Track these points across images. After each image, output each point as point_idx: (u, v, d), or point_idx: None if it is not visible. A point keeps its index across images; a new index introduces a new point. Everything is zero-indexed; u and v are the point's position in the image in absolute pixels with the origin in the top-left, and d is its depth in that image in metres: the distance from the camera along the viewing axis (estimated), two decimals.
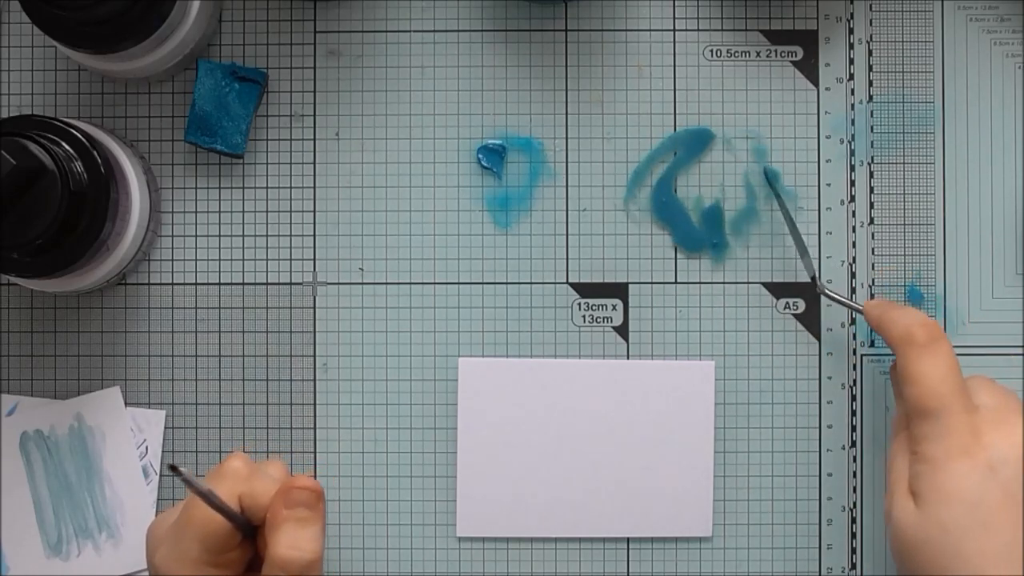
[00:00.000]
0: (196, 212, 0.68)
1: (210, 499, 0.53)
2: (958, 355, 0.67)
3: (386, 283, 0.68)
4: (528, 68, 0.68)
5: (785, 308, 0.68)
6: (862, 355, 0.68)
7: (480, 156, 0.68)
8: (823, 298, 0.67)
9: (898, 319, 0.60)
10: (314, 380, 0.68)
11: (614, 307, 0.68)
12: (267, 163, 0.68)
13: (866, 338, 0.68)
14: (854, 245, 0.68)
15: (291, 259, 0.68)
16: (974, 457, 0.56)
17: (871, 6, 0.68)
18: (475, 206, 0.68)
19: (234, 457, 0.58)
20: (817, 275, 0.66)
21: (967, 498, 0.56)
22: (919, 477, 0.57)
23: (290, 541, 0.54)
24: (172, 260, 0.68)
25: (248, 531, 0.56)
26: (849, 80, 0.68)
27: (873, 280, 0.68)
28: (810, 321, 0.68)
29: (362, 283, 0.68)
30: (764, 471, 0.67)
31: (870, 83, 0.68)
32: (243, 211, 0.68)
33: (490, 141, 0.68)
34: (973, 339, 0.67)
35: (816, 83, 0.68)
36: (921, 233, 0.68)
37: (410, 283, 0.68)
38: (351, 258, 0.68)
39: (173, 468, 0.49)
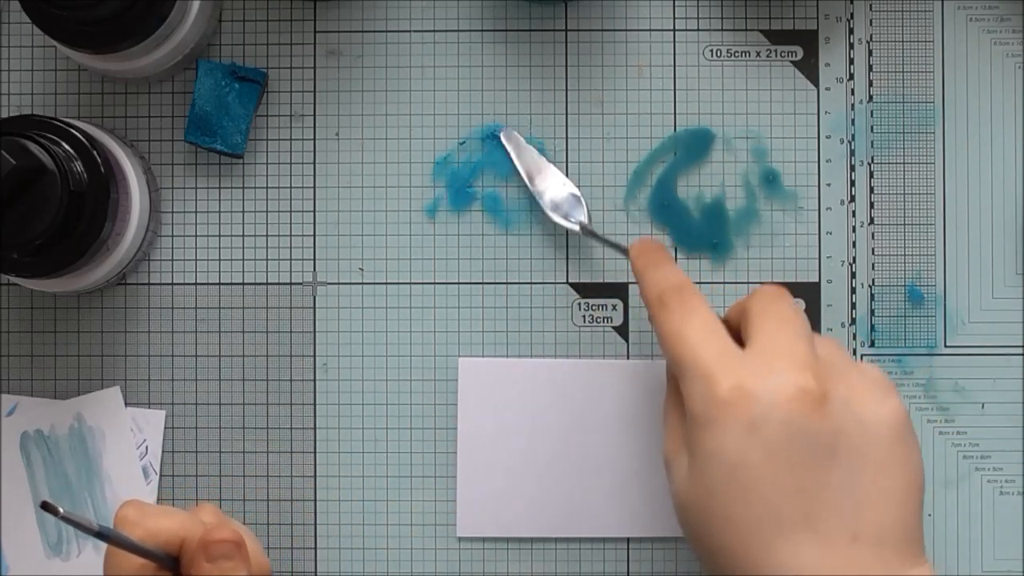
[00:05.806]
0: (196, 212, 0.68)
1: (119, 540, 0.52)
2: (958, 355, 0.68)
3: (386, 283, 0.68)
4: (528, 68, 0.68)
5: None
6: (862, 355, 0.68)
7: None
8: (822, 297, 0.67)
9: (652, 284, 0.58)
10: (314, 380, 0.68)
11: (614, 307, 0.68)
12: (267, 163, 0.68)
13: (866, 338, 0.68)
14: (854, 245, 0.68)
15: (291, 259, 0.68)
16: (735, 416, 0.53)
17: (871, 6, 0.68)
18: (475, 206, 0.68)
19: (123, 506, 0.55)
20: (587, 220, 0.66)
21: (728, 460, 0.53)
22: (688, 436, 0.55)
23: None
24: (172, 260, 0.68)
25: (171, 564, 0.55)
26: (849, 80, 0.68)
27: (873, 280, 0.68)
28: (810, 321, 0.67)
29: (362, 283, 0.68)
30: None
31: (870, 83, 0.68)
32: (243, 211, 0.68)
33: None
34: (973, 339, 0.67)
35: (816, 83, 0.68)
36: (921, 233, 0.68)
37: (410, 283, 0.68)
38: (351, 258, 0.68)
39: (49, 509, 0.47)
